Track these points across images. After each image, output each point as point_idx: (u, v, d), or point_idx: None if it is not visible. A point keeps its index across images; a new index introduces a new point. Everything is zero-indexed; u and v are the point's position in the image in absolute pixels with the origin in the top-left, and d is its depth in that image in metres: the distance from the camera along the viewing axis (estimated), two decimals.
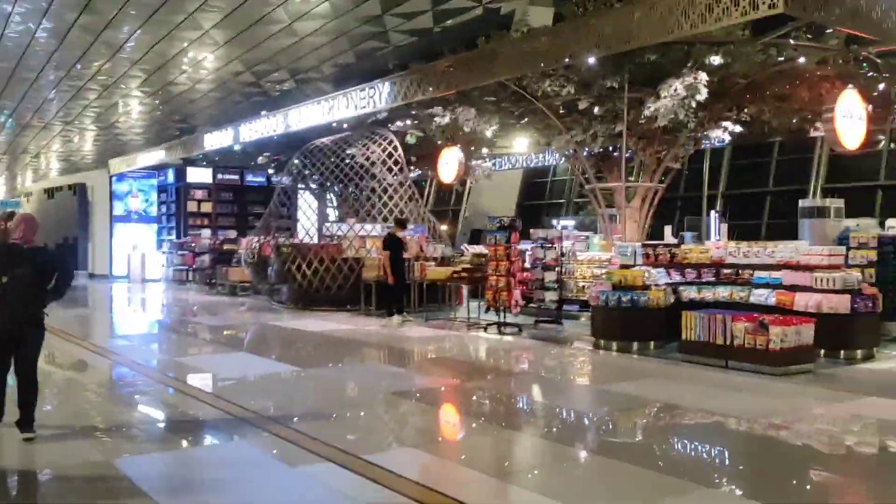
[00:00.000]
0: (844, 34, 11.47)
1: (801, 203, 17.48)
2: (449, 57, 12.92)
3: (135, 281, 26.37)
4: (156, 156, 24.74)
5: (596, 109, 13.18)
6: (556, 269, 12.04)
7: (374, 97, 13.99)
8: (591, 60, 11.15)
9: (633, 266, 10.31)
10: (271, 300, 17.23)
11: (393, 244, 13.02)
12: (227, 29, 15.60)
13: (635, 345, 9.82)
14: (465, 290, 15.55)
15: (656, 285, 10.16)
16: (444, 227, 17.01)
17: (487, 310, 12.08)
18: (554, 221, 24.58)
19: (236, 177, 28.43)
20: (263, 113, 18.12)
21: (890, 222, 10.98)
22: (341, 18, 14.96)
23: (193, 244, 24.44)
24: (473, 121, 13.32)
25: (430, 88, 13.04)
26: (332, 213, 21.65)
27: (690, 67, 11.19)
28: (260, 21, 14.89)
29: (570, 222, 24.38)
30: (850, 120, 11.45)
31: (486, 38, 12.94)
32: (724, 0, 8.07)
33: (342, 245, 15.55)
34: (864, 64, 11.86)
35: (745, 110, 13.74)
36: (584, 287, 12.52)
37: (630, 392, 7.46)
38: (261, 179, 28.95)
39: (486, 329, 11.84)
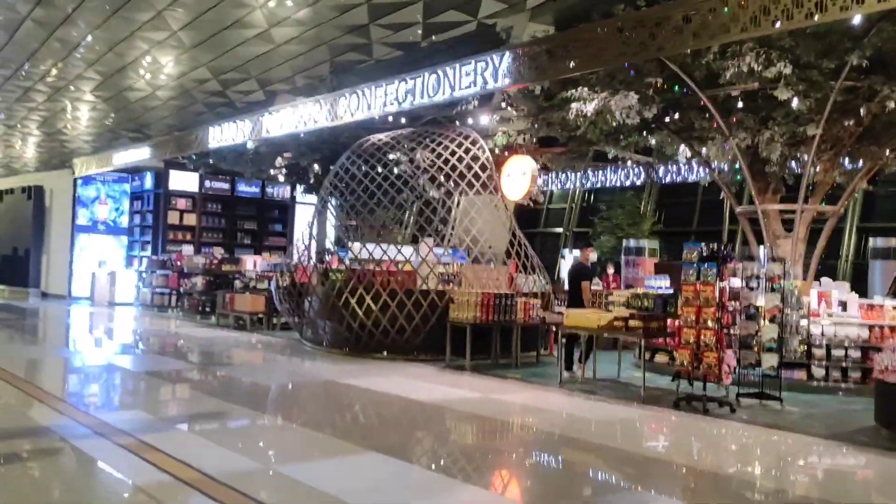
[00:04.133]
0: None
1: (871, 242, 14.31)
2: (604, 20, 9.30)
3: (100, 304, 21.86)
4: (137, 155, 20.41)
5: (795, 102, 9.70)
6: (777, 320, 8.40)
7: (486, 73, 10.22)
8: (857, 20, 7.68)
9: None
10: (303, 340, 13.19)
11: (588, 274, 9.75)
12: (197, 31, 14.06)
13: None
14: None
15: None
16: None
17: (675, 377, 8.35)
18: (566, 252, 21.22)
19: (226, 185, 24.30)
20: (300, 98, 14.16)
21: None
22: (323, 26, 13.46)
23: (179, 262, 20.14)
24: (628, 110, 9.66)
25: (572, 63, 9.37)
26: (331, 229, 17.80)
27: None
28: (234, 24, 13.51)
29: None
30: None
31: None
32: None
33: (416, 274, 11.64)
34: None
35: None
36: (808, 347, 8.92)
37: None
38: (254, 190, 24.94)
39: (677, 405, 8.11)
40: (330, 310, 11.73)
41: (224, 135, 16.10)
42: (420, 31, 14.03)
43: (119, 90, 19.02)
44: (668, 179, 18.59)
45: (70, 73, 17.77)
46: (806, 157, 10.88)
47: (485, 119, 14.22)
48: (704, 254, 8.19)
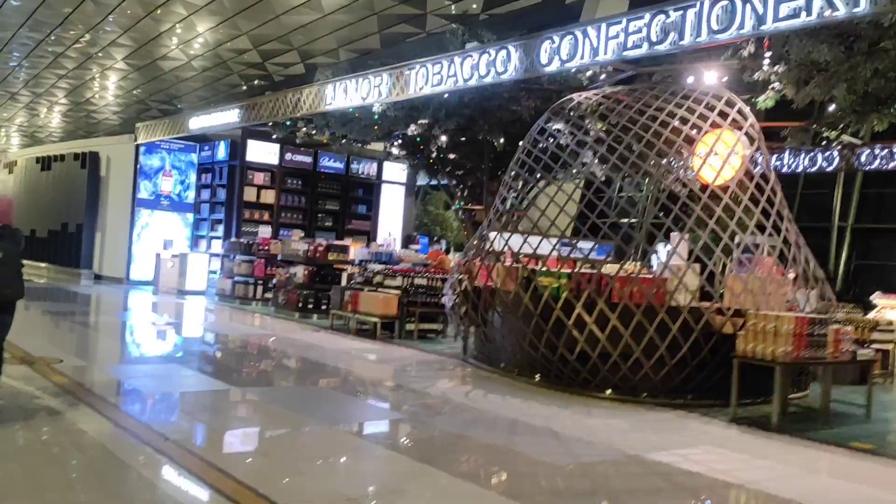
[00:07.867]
0: None
1: None
2: None
3: (167, 292, 18.76)
4: (221, 118, 17.15)
5: None
6: None
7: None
8: None
9: None
10: (467, 358, 10.02)
11: None
12: None
13: None
14: None
15: None
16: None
17: None
18: (661, 247, 17.87)
19: (308, 158, 21.08)
20: (472, 45, 10.82)
21: None
22: None
23: (266, 247, 17.00)
24: None
25: None
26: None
27: None
28: None
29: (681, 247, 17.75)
30: None
31: None
32: None
33: (667, 282, 8.34)
34: None
35: None
36: None
37: None
38: (338, 165, 21.70)
39: None
40: (550, 328, 8.44)
41: (350, 94, 12.76)
42: (481, 2, 13.01)
43: (153, 58, 18.07)
44: (874, 166, 15.14)
45: (102, 39, 16.70)
46: None
47: (711, 77, 10.87)
48: None
